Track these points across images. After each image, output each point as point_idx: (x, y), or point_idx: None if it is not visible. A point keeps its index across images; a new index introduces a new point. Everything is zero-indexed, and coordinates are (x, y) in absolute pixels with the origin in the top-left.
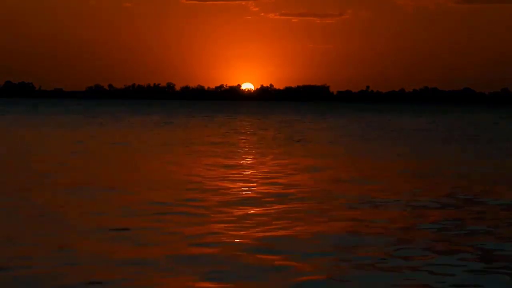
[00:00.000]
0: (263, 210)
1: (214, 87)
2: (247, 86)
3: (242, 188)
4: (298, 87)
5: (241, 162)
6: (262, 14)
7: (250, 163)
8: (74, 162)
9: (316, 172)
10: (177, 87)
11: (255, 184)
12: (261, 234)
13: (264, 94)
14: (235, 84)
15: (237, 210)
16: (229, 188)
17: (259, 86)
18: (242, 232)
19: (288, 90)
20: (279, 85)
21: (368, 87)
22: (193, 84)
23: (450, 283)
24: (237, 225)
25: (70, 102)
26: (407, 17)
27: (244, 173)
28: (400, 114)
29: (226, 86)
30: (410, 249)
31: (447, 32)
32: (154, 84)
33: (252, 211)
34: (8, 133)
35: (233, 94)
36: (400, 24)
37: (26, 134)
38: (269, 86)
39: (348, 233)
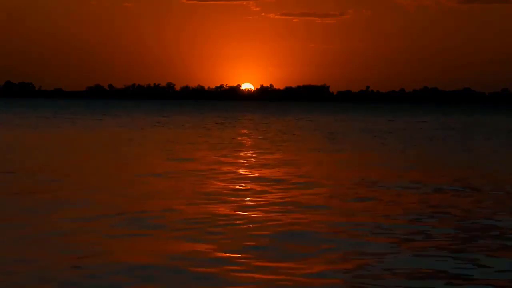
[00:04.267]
0: None
1: (214, 87)
2: (247, 86)
3: None
4: (298, 87)
5: None
6: (263, 14)
7: None
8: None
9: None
10: (177, 87)
11: None
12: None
13: (264, 94)
14: (235, 84)
15: None
16: None
17: (259, 86)
18: None
19: (288, 90)
20: (279, 85)
21: (368, 87)
22: (193, 84)
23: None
24: None
25: (70, 102)
26: (408, 17)
27: None
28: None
29: (226, 86)
30: None
31: (447, 32)
32: (154, 84)
33: None
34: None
35: (233, 94)
36: (401, 24)
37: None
38: (269, 86)
39: None
